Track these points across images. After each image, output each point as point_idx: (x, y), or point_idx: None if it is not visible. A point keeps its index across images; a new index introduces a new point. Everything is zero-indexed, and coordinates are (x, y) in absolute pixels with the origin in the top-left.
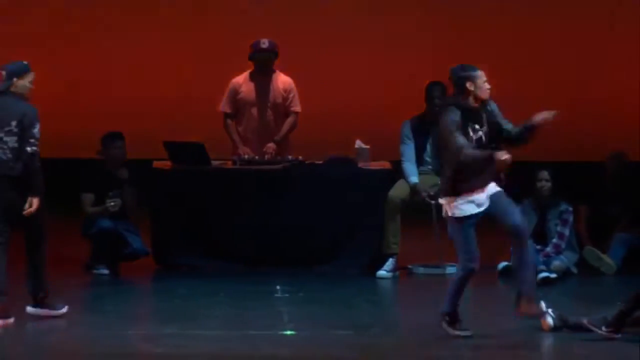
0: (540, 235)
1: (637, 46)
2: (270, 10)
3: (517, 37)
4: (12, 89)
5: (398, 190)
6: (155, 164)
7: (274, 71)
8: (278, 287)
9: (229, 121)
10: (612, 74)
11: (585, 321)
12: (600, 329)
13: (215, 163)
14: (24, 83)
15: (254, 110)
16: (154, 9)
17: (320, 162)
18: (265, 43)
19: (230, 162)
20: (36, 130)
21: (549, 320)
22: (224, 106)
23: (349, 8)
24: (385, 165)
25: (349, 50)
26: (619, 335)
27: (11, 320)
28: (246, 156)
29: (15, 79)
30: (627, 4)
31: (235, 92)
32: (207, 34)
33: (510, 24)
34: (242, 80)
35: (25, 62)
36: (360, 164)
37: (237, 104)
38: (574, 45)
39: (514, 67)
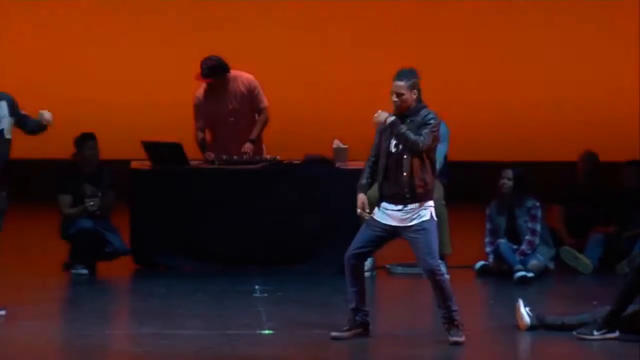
0: (513, 234)
1: (637, 46)
2: (245, 6)
3: (516, 37)
4: None
5: (375, 190)
6: (134, 164)
7: (229, 79)
8: (256, 287)
9: (199, 133)
10: (612, 74)
11: (574, 333)
12: (592, 335)
13: (193, 163)
14: None
15: (222, 119)
16: (133, 11)
17: (298, 161)
18: (205, 69)
19: (208, 162)
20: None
21: (526, 319)
22: (195, 120)
23: (329, 6)
24: (363, 165)
25: (329, 50)
26: (616, 334)
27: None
28: (224, 156)
29: None
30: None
31: (199, 106)
32: (186, 35)
33: (509, 24)
34: (203, 93)
35: None
36: (338, 164)
37: (204, 116)
38: (574, 45)
39: (512, 68)
